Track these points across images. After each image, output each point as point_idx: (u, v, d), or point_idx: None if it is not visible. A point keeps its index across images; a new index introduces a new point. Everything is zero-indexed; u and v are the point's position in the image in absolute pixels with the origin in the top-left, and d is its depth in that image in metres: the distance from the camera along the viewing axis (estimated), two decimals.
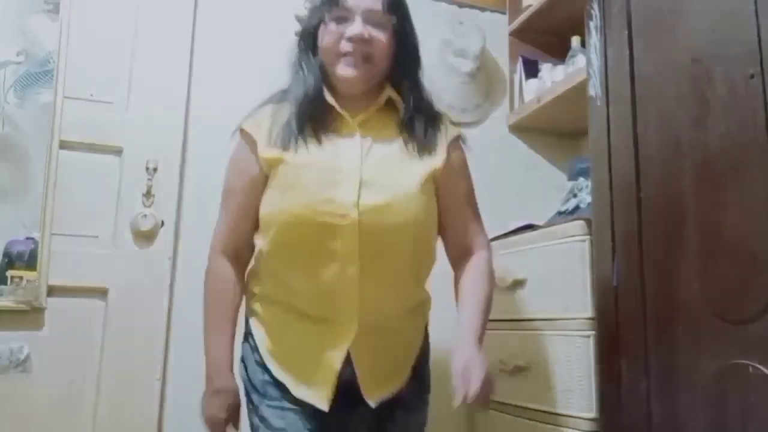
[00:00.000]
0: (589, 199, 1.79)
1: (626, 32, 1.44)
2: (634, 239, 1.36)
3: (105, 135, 1.92)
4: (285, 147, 1.17)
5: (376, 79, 1.23)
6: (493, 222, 2.11)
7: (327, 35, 1.20)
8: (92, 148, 1.91)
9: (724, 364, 1.14)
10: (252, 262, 1.28)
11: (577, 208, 1.90)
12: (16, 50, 2.09)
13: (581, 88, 1.71)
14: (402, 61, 1.24)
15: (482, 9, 2.44)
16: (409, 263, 1.19)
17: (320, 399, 1.15)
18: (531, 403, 1.71)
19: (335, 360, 1.15)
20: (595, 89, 1.53)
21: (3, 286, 1.83)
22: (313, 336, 1.17)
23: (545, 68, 2.26)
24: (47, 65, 2.02)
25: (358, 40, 1.17)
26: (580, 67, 1.93)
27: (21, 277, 1.84)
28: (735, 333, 1.13)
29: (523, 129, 2.38)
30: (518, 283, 1.82)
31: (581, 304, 1.58)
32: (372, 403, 1.18)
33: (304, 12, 1.71)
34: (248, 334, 1.27)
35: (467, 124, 2.34)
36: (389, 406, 1.21)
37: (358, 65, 1.18)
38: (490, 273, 1.29)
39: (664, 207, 1.31)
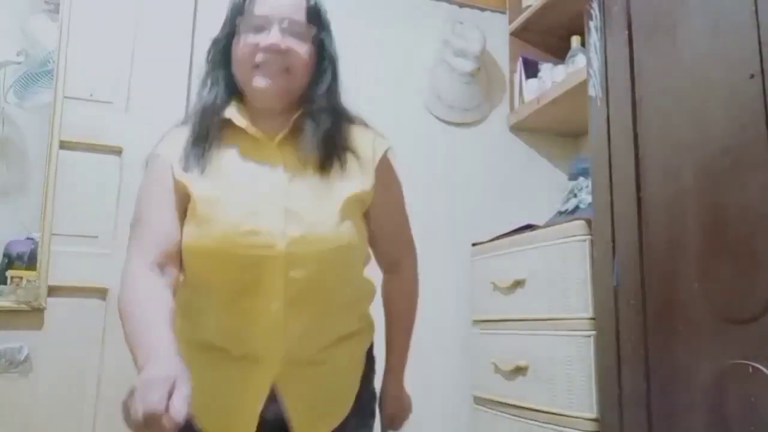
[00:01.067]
0: (589, 199, 1.79)
1: (626, 32, 1.44)
2: (634, 239, 1.36)
3: (105, 135, 1.92)
4: (196, 172, 1.05)
5: (295, 94, 1.11)
6: (493, 222, 2.14)
7: (240, 47, 1.08)
8: (92, 148, 1.91)
9: (724, 364, 1.14)
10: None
11: (577, 208, 1.90)
12: (16, 50, 2.09)
13: (581, 88, 1.71)
14: (322, 76, 1.13)
15: (482, 9, 2.44)
16: (338, 292, 1.09)
17: None
18: (531, 403, 1.71)
19: (257, 400, 1.04)
20: (595, 89, 1.53)
21: (3, 286, 1.83)
22: (234, 376, 1.05)
23: (545, 68, 2.26)
24: (47, 65, 2.02)
25: (275, 51, 1.06)
26: (580, 67, 1.93)
27: (21, 277, 1.84)
28: (735, 333, 1.13)
29: (523, 129, 2.38)
30: (518, 283, 1.82)
31: (581, 304, 1.58)
32: None
33: None
34: None
35: (467, 124, 2.35)
36: None
37: (273, 76, 1.07)
38: (415, 287, 1.28)
39: (664, 207, 1.31)
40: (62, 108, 1.87)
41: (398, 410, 1.27)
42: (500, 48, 2.42)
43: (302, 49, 1.08)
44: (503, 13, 2.46)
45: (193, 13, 2.07)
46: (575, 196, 1.94)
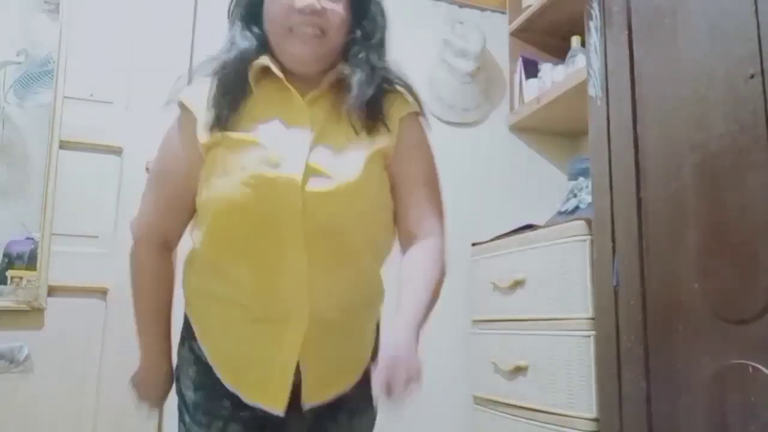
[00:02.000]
0: (589, 199, 1.79)
1: (626, 32, 1.44)
2: (634, 239, 1.36)
3: (105, 135, 1.93)
4: (223, 126, 1.03)
5: (330, 57, 1.08)
6: (493, 222, 2.14)
7: (273, 5, 1.05)
8: (92, 148, 1.91)
9: (724, 364, 1.14)
10: (188, 252, 1.13)
11: (577, 208, 1.90)
12: (16, 50, 2.09)
13: (581, 88, 1.71)
14: (361, 33, 1.09)
15: (482, 9, 2.44)
16: (360, 250, 1.06)
17: (276, 404, 1.02)
18: (531, 403, 1.71)
19: (291, 359, 1.02)
20: (595, 89, 1.53)
21: (3, 286, 1.83)
22: (265, 334, 1.04)
23: (545, 68, 2.26)
24: (47, 65, 2.02)
25: (310, 12, 1.02)
26: (580, 67, 1.93)
27: (21, 277, 1.84)
28: (735, 333, 1.13)
29: (523, 129, 2.38)
30: (518, 283, 1.82)
31: (581, 304, 1.58)
32: (306, 406, 1.05)
33: None
34: (187, 337, 1.12)
35: (467, 124, 2.35)
36: (331, 406, 1.09)
37: (309, 41, 1.03)
38: (439, 259, 1.08)
39: (664, 207, 1.31)
40: (62, 108, 1.87)
41: (396, 370, 0.88)
42: (500, 48, 2.42)
43: (338, 8, 1.05)
44: (503, 13, 2.46)
45: (193, 13, 2.07)
46: (575, 196, 1.94)
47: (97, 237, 1.88)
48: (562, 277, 1.65)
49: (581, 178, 1.95)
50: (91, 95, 1.93)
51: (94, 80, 1.94)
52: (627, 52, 1.43)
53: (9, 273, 1.85)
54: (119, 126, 1.94)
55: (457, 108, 2.31)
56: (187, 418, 1.09)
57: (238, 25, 1.09)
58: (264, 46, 1.08)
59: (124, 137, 1.93)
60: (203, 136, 1.03)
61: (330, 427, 1.11)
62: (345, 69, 1.08)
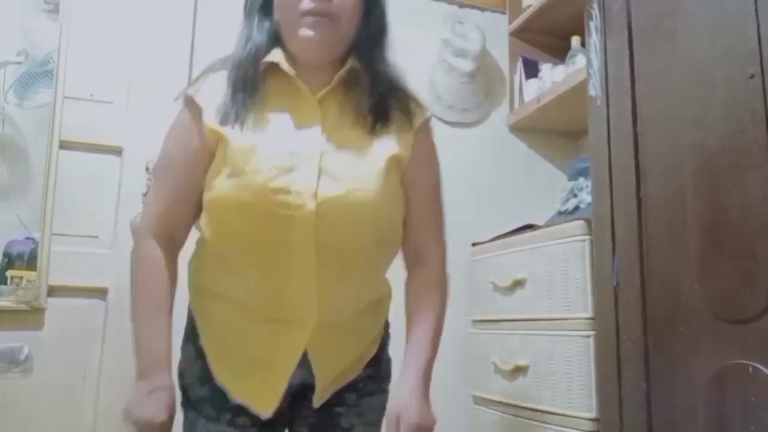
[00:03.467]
0: (589, 199, 1.79)
1: (626, 32, 1.44)
2: (634, 239, 1.36)
3: (105, 135, 1.92)
4: (233, 123, 1.01)
5: (342, 46, 1.07)
6: (493, 222, 2.13)
7: None
8: (92, 148, 1.91)
9: (724, 364, 1.14)
10: (195, 249, 1.13)
11: (577, 208, 1.90)
12: (16, 50, 2.09)
13: (581, 88, 1.71)
14: (370, 29, 1.08)
15: (482, 9, 2.44)
16: (372, 256, 1.06)
17: (264, 407, 1.03)
18: (531, 403, 1.71)
19: (289, 365, 1.03)
20: (595, 89, 1.53)
21: (3, 286, 1.83)
22: (265, 338, 1.04)
23: (545, 68, 2.26)
24: (47, 65, 2.02)
25: None
26: (580, 67, 1.93)
27: (21, 277, 1.84)
28: (735, 333, 1.13)
29: (523, 129, 2.38)
30: (518, 283, 1.82)
31: (581, 304, 1.58)
32: (316, 404, 1.07)
33: None
34: (191, 335, 1.12)
35: (467, 124, 2.35)
36: (338, 391, 1.09)
37: (320, 26, 1.01)
38: (444, 283, 1.15)
39: (664, 207, 1.31)
40: (62, 108, 1.87)
41: (413, 421, 1.05)
42: (500, 48, 2.42)
43: None
44: (503, 13, 2.46)
45: (193, 13, 2.07)
46: (575, 196, 1.94)
47: (97, 237, 1.88)
48: (562, 277, 1.65)
49: (581, 178, 1.94)
50: (91, 95, 1.93)
51: (94, 80, 1.94)
52: (627, 52, 1.43)
53: (9, 273, 1.85)
54: (119, 126, 1.94)
55: (456, 108, 2.31)
56: (192, 414, 1.08)
57: (255, 16, 1.08)
58: (276, 40, 1.07)
59: (124, 137, 1.93)
60: (211, 128, 1.02)
61: (338, 409, 1.11)
62: (356, 64, 1.08)
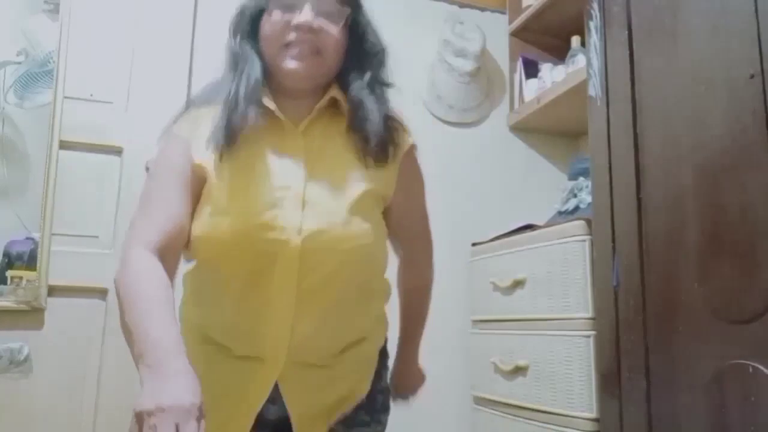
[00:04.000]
0: (589, 199, 1.79)
1: (626, 32, 1.44)
2: (634, 239, 1.36)
3: (105, 135, 1.93)
4: (217, 158, 1.01)
5: (325, 78, 1.08)
6: (493, 222, 2.13)
7: (270, 24, 1.05)
8: (92, 148, 1.91)
9: (724, 364, 1.14)
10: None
11: (577, 208, 1.90)
12: (16, 50, 2.09)
13: (581, 88, 1.71)
14: (355, 60, 1.10)
15: (482, 9, 2.44)
16: (352, 293, 1.06)
17: None
18: (531, 403, 1.71)
19: (256, 403, 1.02)
20: (595, 89, 1.53)
21: (3, 286, 1.83)
22: (235, 375, 1.03)
23: (545, 68, 2.26)
24: (47, 65, 2.02)
25: (306, 30, 1.02)
26: (580, 67, 1.93)
27: (21, 277, 1.84)
28: (735, 333, 1.13)
29: (523, 129, 2.38)
30: (518, 283, 1.83)
31: (581, 304, 1.58)
32: None
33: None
34: None
35: (467, 124, 2.35)
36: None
37: (305, 57, 1.03)
38: (429, 282, 1.31)
39: (664, 207, 1.31)
40: (62, 108, 1.87)
41: (408, 382, 1.31)
42: (500, 48, 2.42)
43: (334, 30, 1.05)
44: (503, 13, 2.46)
45: (193, 13, 2.07)
46: (575, 196, 1.94)
47: (97, 237, 1.88)
48: (562, 277, 1.65)
49: (581, 178, 1.95)
50: (91, 95, 1.93)
51: (94, 80, 1.94)
52: (627, 52, 1.43)
53: (9, 273, 1.85)
54: (119, 126, 1.94)
55: (457, 108, 2.31)
56: None
57: (246, 46, 1.08)
58: (261, 70, 1.07)
59: (124, 137, 1.93)
60: (199, 159, 1.02)
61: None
62: (337, 94, 1.09)
